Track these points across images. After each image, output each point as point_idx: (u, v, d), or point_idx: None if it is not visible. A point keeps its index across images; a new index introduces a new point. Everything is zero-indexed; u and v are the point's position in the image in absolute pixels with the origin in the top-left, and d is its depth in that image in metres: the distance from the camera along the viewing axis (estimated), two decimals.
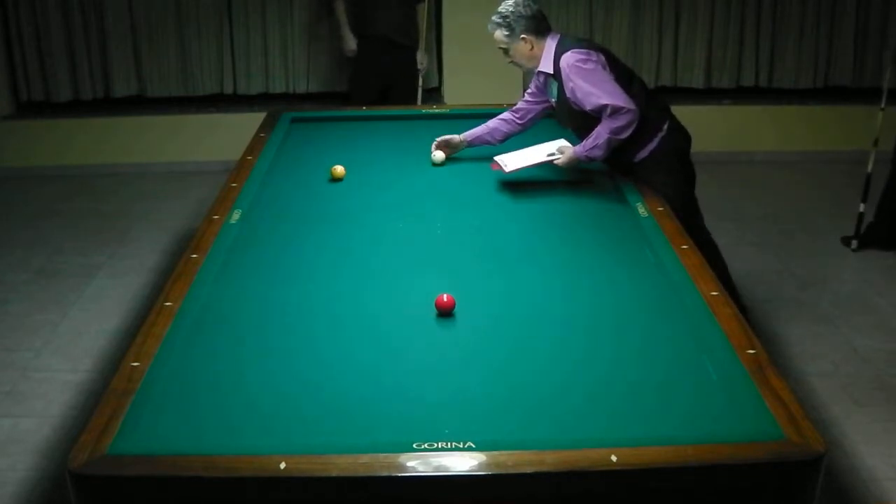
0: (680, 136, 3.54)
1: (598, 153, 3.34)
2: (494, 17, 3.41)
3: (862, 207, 4.75)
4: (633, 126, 3.30)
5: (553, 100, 3.57)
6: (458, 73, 6.00)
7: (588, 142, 3.35)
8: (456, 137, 3.73)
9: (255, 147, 3.90)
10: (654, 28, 6.25)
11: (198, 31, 6.11)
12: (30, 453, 3.22)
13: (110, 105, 6.21)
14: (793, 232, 5.10)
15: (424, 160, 3.75)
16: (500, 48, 3.46)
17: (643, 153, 3.46)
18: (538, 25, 3.41)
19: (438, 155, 3.74)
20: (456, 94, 6.00)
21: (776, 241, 4.97)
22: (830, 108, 6.24)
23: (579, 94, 3.32)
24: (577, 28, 6.23)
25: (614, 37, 6.26)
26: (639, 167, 3.47)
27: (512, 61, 3.51)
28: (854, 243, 4.78)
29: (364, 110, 4.76)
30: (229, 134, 5.31)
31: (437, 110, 4.59)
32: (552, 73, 3.43)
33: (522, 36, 3.38)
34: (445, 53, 6.09)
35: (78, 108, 6.17)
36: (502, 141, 3.74)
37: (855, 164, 5.33)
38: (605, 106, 3.26)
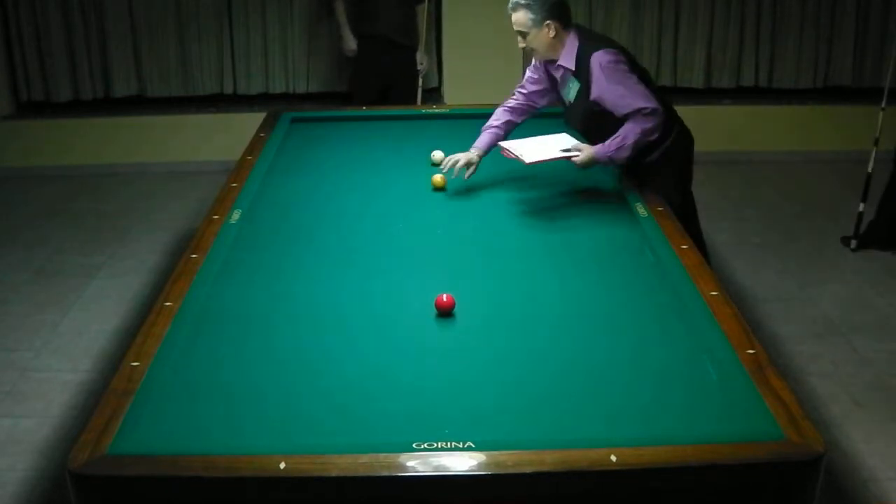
0: (687, 135, 3.54)
1: (624, 154, 3.21)
2: None
3: (862, 207, 4.75)
4: (660, 130, 3.23)
5: (569, 98, 3.41)
6: (458, 73, 6.00)
7: (614, 142, 3.20)
8: (472, 156, 3.45)
9: (255, 147, 3.90)
10: (654, 28, 6.25)
11: (198, 31, 6.11)
12: (30, 453, 3.22)
13: (110, 105, 6.21)
14: (793, 232, 5.10)
15: (424, 160, 3.75)
16: (518, 31, 3.24)
17: (657, 153, 3.42)
18: (564, 14, 3.23)
19: (438, 154, 3.74)
20: (456, 94, 6.00)
21: (776, 241, 4.97)
22: (830, 108, 6.24)
23: (610, 97, 3.19)
24: None
25: (614, 37, 6.22)
26: (649, 168, 3.42)
27: (528, 47, 3.29)
28: (854, 243, 4.78)
29: (364, 110, 4.76)
30: (229, 134, 5.32)
31: (437, 110, 4.59)
32: (574, 69, 3.28)
33: (547, 21, 3.19)
34: (445, 53, 6.09)
35: (78, 108, 6.17)
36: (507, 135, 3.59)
37: (855, 164, 5.33)
38: (640, 109, 3.15)
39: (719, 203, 5.34)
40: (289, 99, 6.30)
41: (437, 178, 3.47)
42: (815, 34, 6.23)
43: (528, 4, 3.19)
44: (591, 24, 6.24)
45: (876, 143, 4.70)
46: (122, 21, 6.02)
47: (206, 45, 6.15)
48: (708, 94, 6.36)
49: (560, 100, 3.53)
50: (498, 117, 3.56)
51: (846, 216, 4.97)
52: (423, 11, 5.57)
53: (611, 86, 3.18)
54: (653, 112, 3.17)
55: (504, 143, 3.41)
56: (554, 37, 3.24)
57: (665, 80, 6.36)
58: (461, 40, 5.94)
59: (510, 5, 3.24)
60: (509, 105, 3.56)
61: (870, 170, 4.73)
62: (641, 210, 3.18)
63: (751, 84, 6.36)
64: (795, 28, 6.22)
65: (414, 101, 5.59)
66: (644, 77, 3.33)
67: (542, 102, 3.57)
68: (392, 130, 4.01)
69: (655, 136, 3.23)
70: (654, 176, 3.41)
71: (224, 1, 6.07)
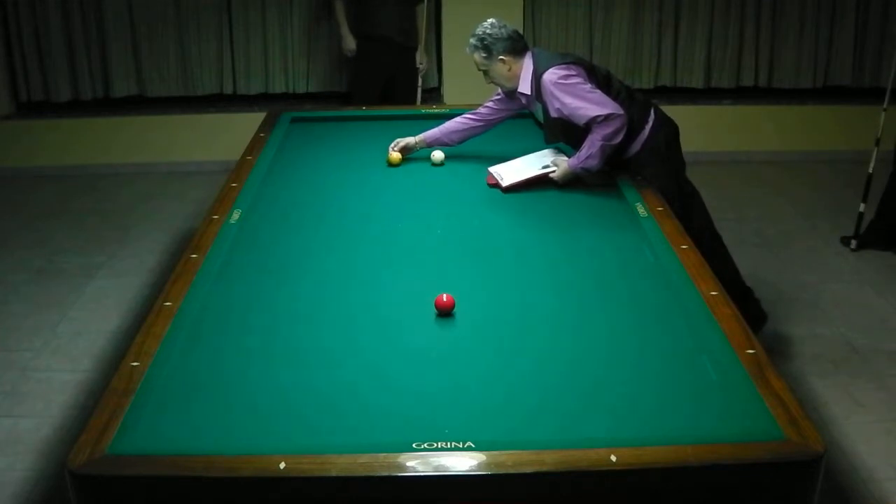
0: (667, 125, 3.57)
1: (593, 162, 3.35)
2: (472, 40, 3.46)
3: (862, 207, 4.76)
4: (624, 130, 3.33)
5: (540, 119, 3.56)
6: (457, 73, 6.00)
7: (582, 152, 3.36)
8: (412, 140, 3.77)
9: (254, 147, 3.90)
10: (654, 28, 6.25)
11: (198, 31, 6.12)
12: (30, 453, 3.22)
13: (110, 105, 6.22)
14: (793, 232, 5.10)
15: (424, 160, 3.75)
16: (480, 70, 3.52)
17: (635, 146, 3.49)
18: (514, 45, 3.43)
19: (438, 155, 3.75)
20: (455, 94, 6.00)
21: (776, 241, 4.97)
22: (830, 108, 6.25)
23: (566, 112, 3.34)
24: (577, 28, 6.23)
25: (614, 37, 6.26)
26: (633, 161, 3.50)
27: (491, 82, 3.56)
28: (854, 243, 4.78)
29: (364, 110, 4.76)
30: (229, 134, 5.32)
31: (436, 110, 4.58)
32: (530, 93, 3.45)
33: (500, 57, 3.42)
34: (445, 53, 6.09)
35: (78, 108, 6.18)
36: (460, 142, 3.80)
37: (855, 164, 5.33)
38: (596, 117, 3.28)
39: (719, 203, 5.33)
40: (288, 99, 6.30)
41: (395, 156, 3.72)
42: (815, 34, 6.24)
43: (477, 46, 3.46)
44: (591, 24, 6.25)
45: (877, 143, 4.71)
46: (122, 21, 6.03)
47: (205, 45, 6.15)
48: (708, 94, 6.36)
49: (535, 120, 3.67)
50: (457, 122, 3.79)
51: (846, 216, 4.97)
52: (422, 11, 5.57)
53: (565, 101, 3.33)
54: (608, 117, 3.28)
55: (490, 168, 3.54)
56: (510, 69, 3.46)
57: (665, 80, 6.37)
58: (460, 40, 5.90)
59: (467, 49, 3.49)
60: (470, 114, 3.79)
61: (870, 170, 4.73)
62: (641, 210, 3.18)
63: (751, 84, 6.37)
64: (795, 28, 6.22)
65: (413, 101, 5.60)
66: (607, 81, 3.47)
67: (501, 117, 3.76)
68: (392, 130, 4.00)
69: (620, 137, 3.34)
70: (642, 167, 3.48)
71: (224, 1, 6.07)
